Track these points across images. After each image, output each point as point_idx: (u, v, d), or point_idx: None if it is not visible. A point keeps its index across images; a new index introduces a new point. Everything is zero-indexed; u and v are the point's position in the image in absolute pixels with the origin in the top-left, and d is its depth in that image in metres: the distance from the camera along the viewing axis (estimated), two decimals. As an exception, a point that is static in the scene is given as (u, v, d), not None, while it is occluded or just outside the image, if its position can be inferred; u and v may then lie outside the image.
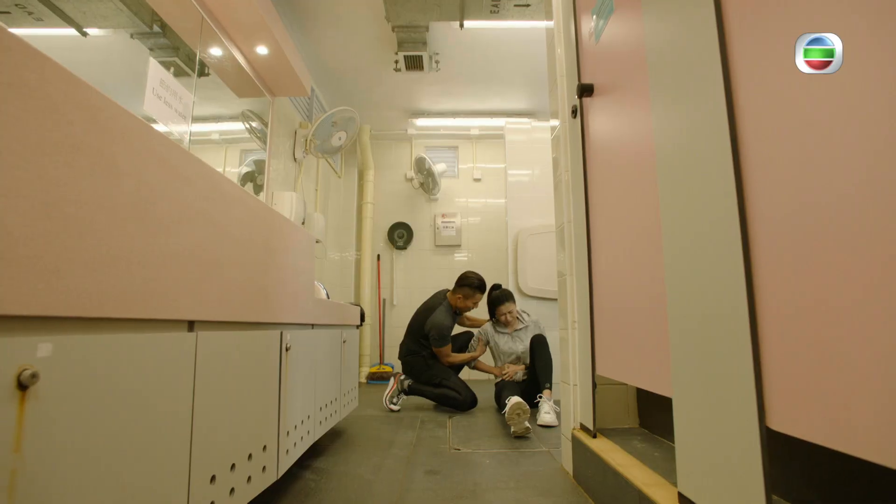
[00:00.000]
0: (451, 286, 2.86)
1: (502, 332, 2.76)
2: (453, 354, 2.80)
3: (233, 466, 0.88)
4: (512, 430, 1.96)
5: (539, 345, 2.55)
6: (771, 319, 0.61)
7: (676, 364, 0.83)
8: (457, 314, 2.87)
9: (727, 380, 0.67)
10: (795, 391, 0.57)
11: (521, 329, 2.75)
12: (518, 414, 1.95)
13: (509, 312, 2.72)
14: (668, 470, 1.03)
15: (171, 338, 0.71)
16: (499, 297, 2.74)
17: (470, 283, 2.79)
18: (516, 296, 3.14)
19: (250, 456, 0.96)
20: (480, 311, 2.99)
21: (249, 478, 0.95)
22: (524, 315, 2.84)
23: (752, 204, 0.64)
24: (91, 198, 0.55)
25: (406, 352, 2.82)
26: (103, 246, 0.57)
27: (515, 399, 2.01)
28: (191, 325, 0.78)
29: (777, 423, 0.59)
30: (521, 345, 2.69)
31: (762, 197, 0.62)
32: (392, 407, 2.63)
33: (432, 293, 3.04)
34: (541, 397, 2.34)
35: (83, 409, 0.53)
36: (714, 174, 0.71)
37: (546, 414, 2.21)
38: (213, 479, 0.81)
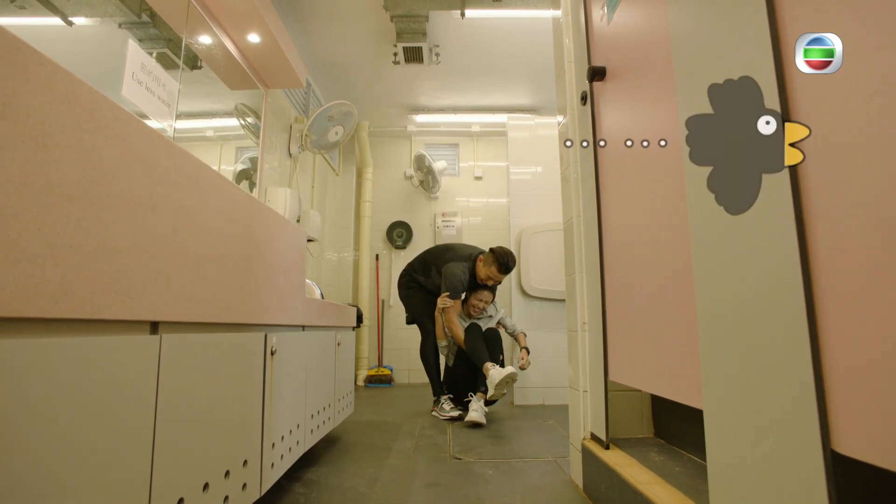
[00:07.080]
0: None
1: (461, 316, 2.68)
2: (458, 323, 2.52)
3: (206, 486, 0.78)
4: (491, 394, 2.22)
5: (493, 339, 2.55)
6: (834, 314, 0.51)
7: (708, 371, 0.73)
8: (473, 280, 2.58)
9: (776, 390, 0.57)
10: (871, 406, 0.47)
11: (482, 318, 2.69)
12: (507, 383, 2.20)
13: (483, 301, 2.63)
14: (692, 488, 0.92)
15: (127, 341, 0.61)
16: (483, 284, 2.61)
17: (494, 251, 2.48)
18: (518, 296, 3.03)
19: (227, 473, 0.85)
20: None
21: (227, 497, 0.85)
22: (496, 308, 2.77)
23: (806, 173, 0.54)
24: (16, 174, 0.45)
25: (409, 281, 2.74)
26: (33, 233, 0.47)
27: (510, 369, 2.22)
28: (154, 326, 0.68)
29: (847, 447, 0.49)
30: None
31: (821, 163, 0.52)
32: (452, 414, 2.40)
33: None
34: (472, 395, 2.39)
35: (12, 426, 0.43)
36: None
37: (474, 412, 2.28)
38: (180, 502, 0.71)
